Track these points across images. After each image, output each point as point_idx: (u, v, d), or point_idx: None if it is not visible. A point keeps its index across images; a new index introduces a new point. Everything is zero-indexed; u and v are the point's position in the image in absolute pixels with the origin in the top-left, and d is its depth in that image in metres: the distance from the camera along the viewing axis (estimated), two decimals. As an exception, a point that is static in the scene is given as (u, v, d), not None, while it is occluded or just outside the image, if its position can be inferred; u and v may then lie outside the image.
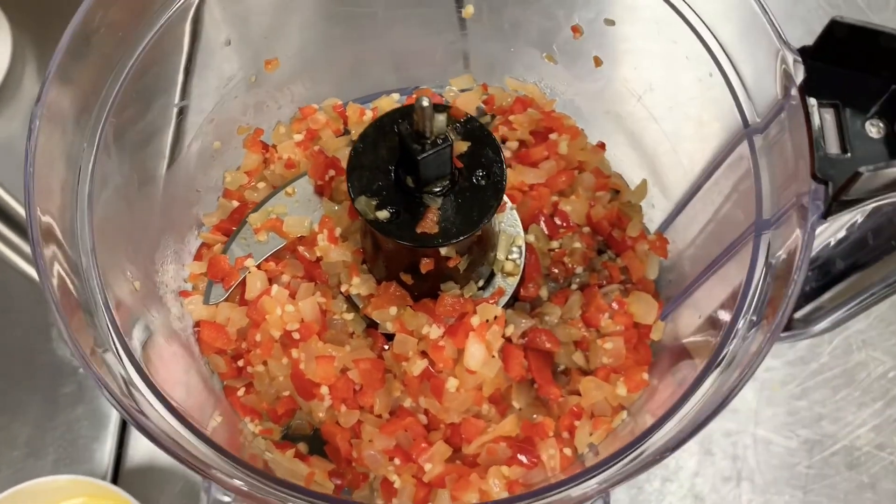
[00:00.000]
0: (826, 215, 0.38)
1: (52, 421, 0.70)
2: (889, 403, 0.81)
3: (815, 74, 0.41)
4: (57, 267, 0.40)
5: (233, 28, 0.56)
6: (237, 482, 0.37)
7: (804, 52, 0.41)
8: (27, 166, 0.40)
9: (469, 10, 0.60)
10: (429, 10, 0.64)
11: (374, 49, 0.66)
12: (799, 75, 0.41)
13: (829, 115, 0.40)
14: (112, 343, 0.42)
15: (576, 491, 0.37)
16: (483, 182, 0.47)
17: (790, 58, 0.42)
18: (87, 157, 0.45)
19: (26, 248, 0.71)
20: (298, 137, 0.62)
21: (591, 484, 0.37)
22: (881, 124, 0.39)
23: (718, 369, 0.41)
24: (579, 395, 0.53)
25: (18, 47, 0.82)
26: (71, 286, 0.42)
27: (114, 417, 0.70)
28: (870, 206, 0.39)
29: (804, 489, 0.79)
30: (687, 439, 0.37)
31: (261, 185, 0.61)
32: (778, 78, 0.43)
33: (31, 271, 0.69)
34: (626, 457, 0.40)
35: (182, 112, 0.55)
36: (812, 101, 0.40)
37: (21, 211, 0.66)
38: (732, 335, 0.42)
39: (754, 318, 0.41)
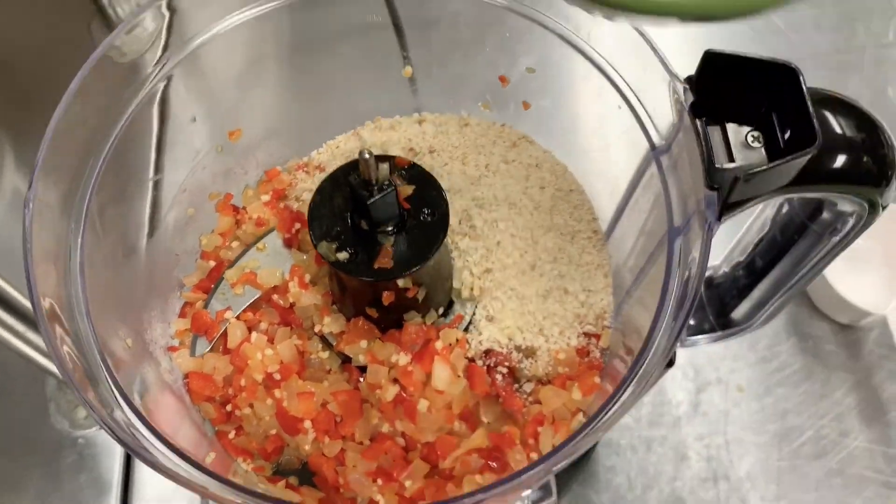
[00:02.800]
0: (720, 217, 0.44)
1: (56, 493, 0.73)
2: (847, 392, 0.86)
3: (701, 98, 0.47)
4: (63, 344, 0.46)
5: (198, 104, 0.62)
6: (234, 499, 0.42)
7: (689, 81, 0.48)
8: (25, 244, 0.45)
9: (408, 70, 0.67)
10: (379, 73, 0.71)
11: (331, 109, 0.72)
12: (688, 100, 0.48)
13: (716, 133, 0.46)
14: (117, 402, 0.47)
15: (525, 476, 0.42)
16: (430, 219, 0.52)
17: (680, 86, 0.48)
18: (76, 234, 0.51)
19: (19, 327, 0.76)
20: (266, 198, 0.67)
21: (539, 470, 0.42)
22: (759, 136, 0.46)
23: (649, 358, 0.46)
24: (541, 403, 0.58)
25: (-3, 139, 0.88)
26: (75, 356, 0.47)
27: (115, 483, 0.74)
28: (755, 205, 0.45)
29: (777, 481, 0.82)
30: (618, 418, 0.42)
31: (234, 244, 0.66)
32: (672, 104, 0.49)
33: (26, 349, 0.73)
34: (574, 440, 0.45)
35: (157, 185, 0.61)
36: (700, 122, 0.46)
37: (11, 291, 0.71)
38: (659, 329, 0.47)
39: (675, 313, 0.47)
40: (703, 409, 0.86)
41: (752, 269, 0.61)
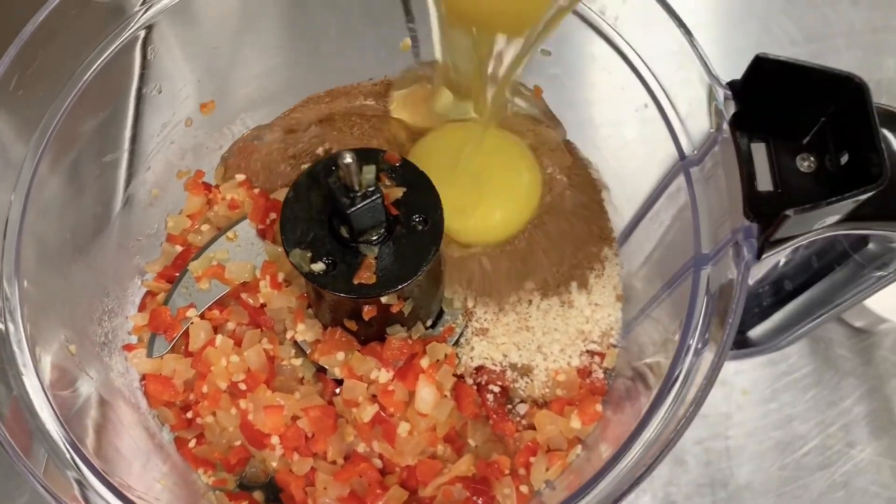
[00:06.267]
0: (759, 255, 0.38)
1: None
2: (857, 401, 0.81)
3: (746, 109, 0.40)
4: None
5: (162, 75, 0.54)
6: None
7: (733, 87, 0.41)
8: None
9: (406, 42, 0.59)
10: (379, 44, 0.63)
11: (319, 77, 0.65)
12: (730, 110, 0.41)
13: (760, 150, 0.40)
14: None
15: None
16: (421, 227, 0.46)
17: (721, 92, 0.41)
18: (18, 210, 0.44)
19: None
20: (241, 177, 0.61)
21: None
22: (811, 158, 0.39)
23: (671, 395, 0.40)
24: (535, 429, 0.53)
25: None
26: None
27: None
28: (801, 242, 0.39)
29: (777, 492, 0.78)
30: (648, 472, 0.37)
31: (205, 227, 0.60)
32: (710, 111, 0.42)
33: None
34: (586, 494, 0.40)
35: (115, 162, 0.54)
36: (743, 137, 0.39)
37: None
38: (680, 361, 0.41)
39: (699, 345, 0.41)
40: (703, 411, 0.80)
41: (779, 290, 0.55)
